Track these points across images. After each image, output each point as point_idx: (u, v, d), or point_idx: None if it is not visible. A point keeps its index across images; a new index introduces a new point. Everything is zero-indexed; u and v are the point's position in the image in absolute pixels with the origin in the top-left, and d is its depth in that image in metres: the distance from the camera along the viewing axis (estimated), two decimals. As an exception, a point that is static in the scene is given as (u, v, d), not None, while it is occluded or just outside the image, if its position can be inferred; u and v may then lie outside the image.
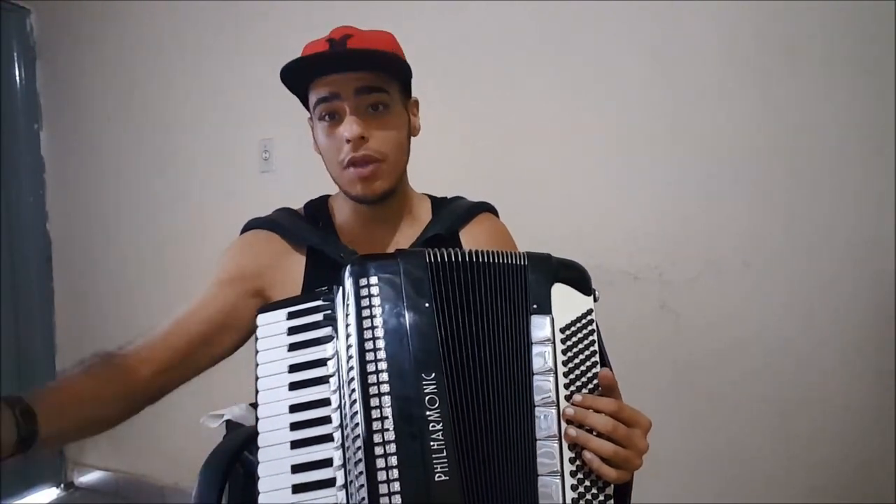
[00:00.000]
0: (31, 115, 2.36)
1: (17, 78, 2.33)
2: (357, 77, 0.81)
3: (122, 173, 2.28)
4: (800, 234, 1.46)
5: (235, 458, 0.86)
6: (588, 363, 0.68)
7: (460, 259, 0.70)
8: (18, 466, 2.25)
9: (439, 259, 0.69)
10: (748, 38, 1.48)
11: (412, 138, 0.92)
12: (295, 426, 0.67)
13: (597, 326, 0.71)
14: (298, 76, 0.83)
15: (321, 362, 0.69)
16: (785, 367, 1.49)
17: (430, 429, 0.63)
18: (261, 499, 0.65)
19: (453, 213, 0.96)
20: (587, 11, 1.62)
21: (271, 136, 2.02)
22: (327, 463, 0.65)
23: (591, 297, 0.72)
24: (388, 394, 0.63)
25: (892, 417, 1.40)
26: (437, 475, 0.62)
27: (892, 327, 1.40)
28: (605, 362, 0.71)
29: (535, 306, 0.69)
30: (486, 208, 1.02)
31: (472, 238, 0.95)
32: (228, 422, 1.03)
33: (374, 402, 0.63)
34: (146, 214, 2.25)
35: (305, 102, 0.88)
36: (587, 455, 0.64)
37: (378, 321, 0.65)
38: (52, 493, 2.41)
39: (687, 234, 1.56)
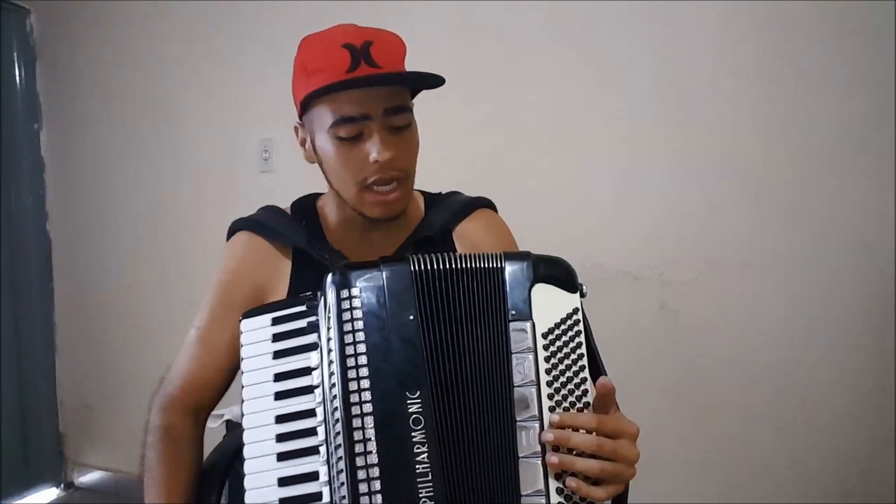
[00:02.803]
0: (31, 115, 2.36)
1: (17, 78, 2.33)
2: (387, 95, 0.77)
3: (121, 173, 2.28)
4: (800, 235, 1.46)
5: (235, 457, 0.86)
6: (575, 368, 0.65)
7: (444, 266, 0.66)
8: (18, 466, 2.26)
9: (423, 266, 0.66)
10: (749, 38, 1.48)
11: None
12: (281, 437, 0.65)
13: (585, 325, 0.67)
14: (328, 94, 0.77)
15: (306, 371, 0.66)
16: (785, 367, 1.49)
17: (416, 451, 0.60)
18: None
19: (447, 211, 0.92)
20: (588, 12, 1.61)
21: (271, 136, 2.01)
22: (314, 476, 0.63)
23: (578, 294, 0.67)
24: (370, 414, 0.60)
25: (892, 417, 1.40)
26: (423, 500, 0.59)
27: (893, 327, 1.40)
28: (594, 362, 0.68)
29: (513, 312, 0.65)
30: (484, 204, 0.97)
31: (467, 236, 0.91)
32: (228, 422, 1.02)
33: (356, 422, 0.60)
34: (146, 214, 2.25)
35: (302, 107, 0.83)
36: (572, 483, 0.60)
37: (360, 336, 0.63)
38: (52, 493, 2.41)
39: (687, 234, 1.56)
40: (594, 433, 0.61)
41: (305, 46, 0.81)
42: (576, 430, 0.62)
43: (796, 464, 1.49)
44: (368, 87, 0.76)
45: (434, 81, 0.80)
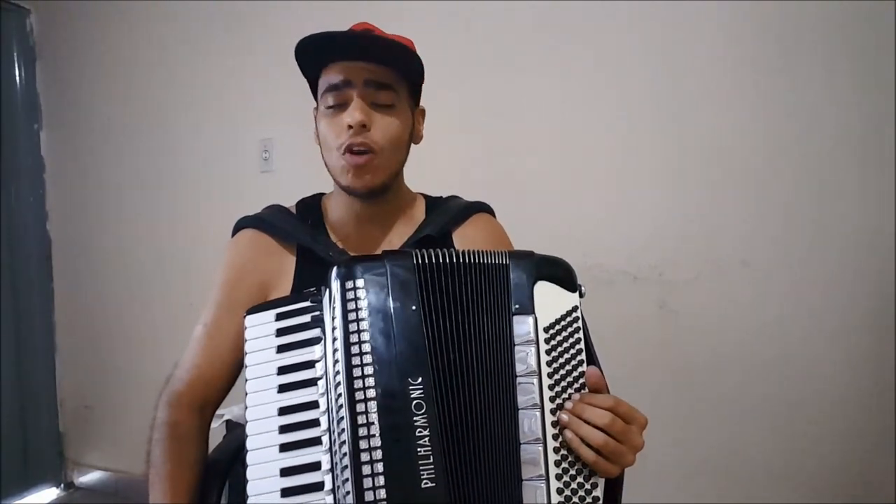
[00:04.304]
0: (31, 115, 2.36)
1: (17, 78, 2.33)
2: (369, 68, 0.82)
3: (121, 173, 2.28)
4: (800, 234, 1.46)
5: (235, 457, 0.86)
6: (574, 362, 0.67)
7: (446, 260, 0.69)
8: (18, 466, 2.26)
9: (426, 260, 0.68)
10: (748, 38, 1.48)
11: (413, 146, 0.92)
12: (284, 429, 0.67)
13: (583, 323, 0.69)
14: (313, 53, 0.84)
15: (310, 364, 0.68)
16: (784, 367, 1.49)
17: (417, 435, 0.62)
18: (250, 501, 0.64)
19: (447, 214, 0.95)
20: (588, 12, 1.62)
21: (271, 136, 2.02)
22: (316, 466, 0.64)
23: (577, 294, 0.70)
24: (374, 399, 0.62)
25: (892, 417, 1.40)
26: (424, 482, 0.61)
27: (892, 327, 1.40)
28: (592, 360, 0.70)
29: (516, 306, 0.68)
30: (482, 208, 1.00)
31: (466, 239, 0.93)
32: (228, 422, 1.02)
33: (360, 407, 0.62)
34: (146, 214, 2.25)
35: (314, 89, 0.88)
36: (567, 434, 0.63)
37: (364, 325, 0.65)
38: (52, 493, 2.41)
39: (687, 234, 1.56)
40: (610, 411, 0.64)
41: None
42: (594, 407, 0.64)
43: (795, 463, 1.49)
44: (351, 57, 0.82)
45: (406, 60, 0.84)
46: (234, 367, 0.87)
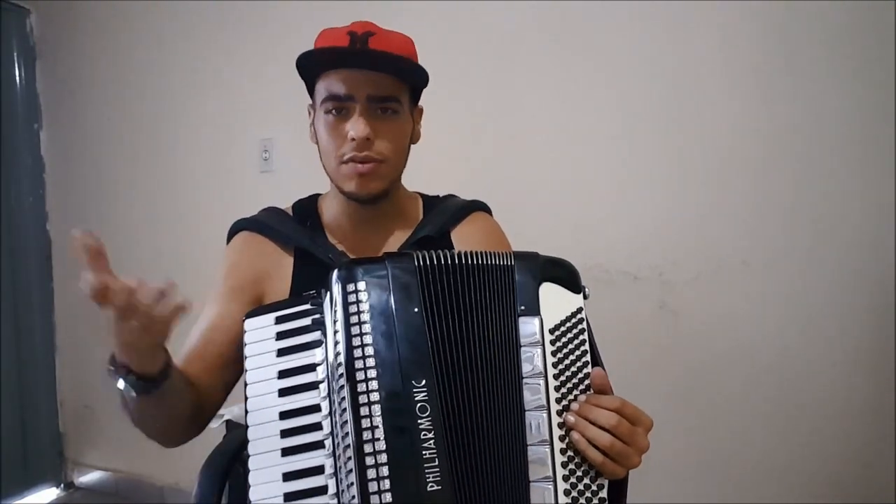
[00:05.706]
0: (31, 115, 2.36)
1: (17, 78, 2.33)
2: (372, 80, 0.80)
3: (121, 173, 2.28)
4: (800, 234, 1.46)
5: (235, 458, 0.86)
6: (579, 363, 0.67)
7: (448, 261, 0.69)
8: (18, 466, 2.26)
9: (427, 262, 0.68)
10: (748, 38, 1.48)
11: (413, 146, 0.92)
12: (286, 433, 0.66)
13: (588, 325, 0.70)
14: (315, 66, 0.83)
15: (310, 367, 0.68)
16: (784, 367, 1.49)
17: (422, 437, 0.62)
18: None
19: (444, 213, 0.94)
20: (588, 12, 1.62)
21: (271, 136, 2.02)
22: (319, 470, 0.64)
23: (581, 295, 0.70)
24: (377, 402, 0.62)
25: (893, 418, 1.40)
26: (430, 484, 0.61)
27: (893, 327, 1.40)
28: (596, 361, 0.70)
29: (522, 308, 0.68)
30: (479, 207, 1.00)
31: (464, 238, 0.93)
32: (228, 422, 1.03)
33: (363, 410, 0.62)
34: (145, 214, 2.25)
35: (311, 88, 0.87)
36: (574, 435, 0.63)
37: (367, 328, 0.64)
38: (52, 493, 2.41)
39: (687, 234, 1.56)
40: (616, 412, 0.64)
41: (320, 34, 0.86)
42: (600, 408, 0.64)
43: (796, 463, 1.49)
44: (354, 67, 0.80)
45: (411, 74, 0.83)
46: (232, 369, 0.85)
